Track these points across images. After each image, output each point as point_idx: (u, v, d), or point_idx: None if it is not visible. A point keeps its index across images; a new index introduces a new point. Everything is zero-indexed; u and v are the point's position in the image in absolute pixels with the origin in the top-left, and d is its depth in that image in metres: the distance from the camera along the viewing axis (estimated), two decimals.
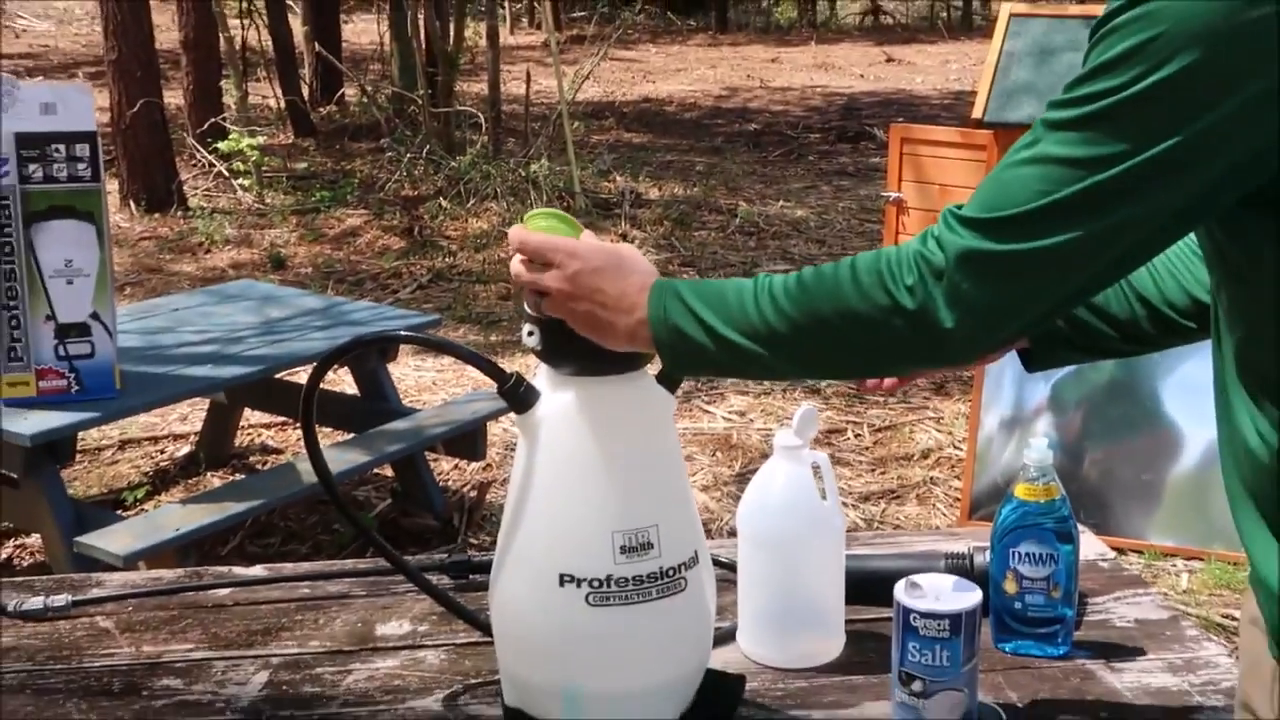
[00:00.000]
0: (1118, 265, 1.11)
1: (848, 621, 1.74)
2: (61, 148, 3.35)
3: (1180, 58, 1.00)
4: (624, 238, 7.82)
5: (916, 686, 1.54)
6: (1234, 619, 3.54)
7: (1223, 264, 1.16)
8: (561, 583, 1.41)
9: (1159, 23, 1.01)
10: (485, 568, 1.84)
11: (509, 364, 1.50)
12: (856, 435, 4.97)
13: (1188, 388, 3.88)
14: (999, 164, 1.14)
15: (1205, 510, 3.88)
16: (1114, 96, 1.03)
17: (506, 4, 18.02)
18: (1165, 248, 1.10)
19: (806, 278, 1.23)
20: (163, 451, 4.87)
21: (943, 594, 1.55)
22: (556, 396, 1.44)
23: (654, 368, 1.47)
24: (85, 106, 3.39)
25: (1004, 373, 4.13)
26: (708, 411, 5.14)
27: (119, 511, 4.16)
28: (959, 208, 1.15)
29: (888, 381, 1.60)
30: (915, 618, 1.53)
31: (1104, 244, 1.07)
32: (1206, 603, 3.66)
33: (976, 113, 3.99)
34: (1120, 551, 3.65)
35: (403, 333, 1.70)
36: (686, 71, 16.22)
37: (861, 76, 15.75)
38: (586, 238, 1.40)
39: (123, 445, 4.89)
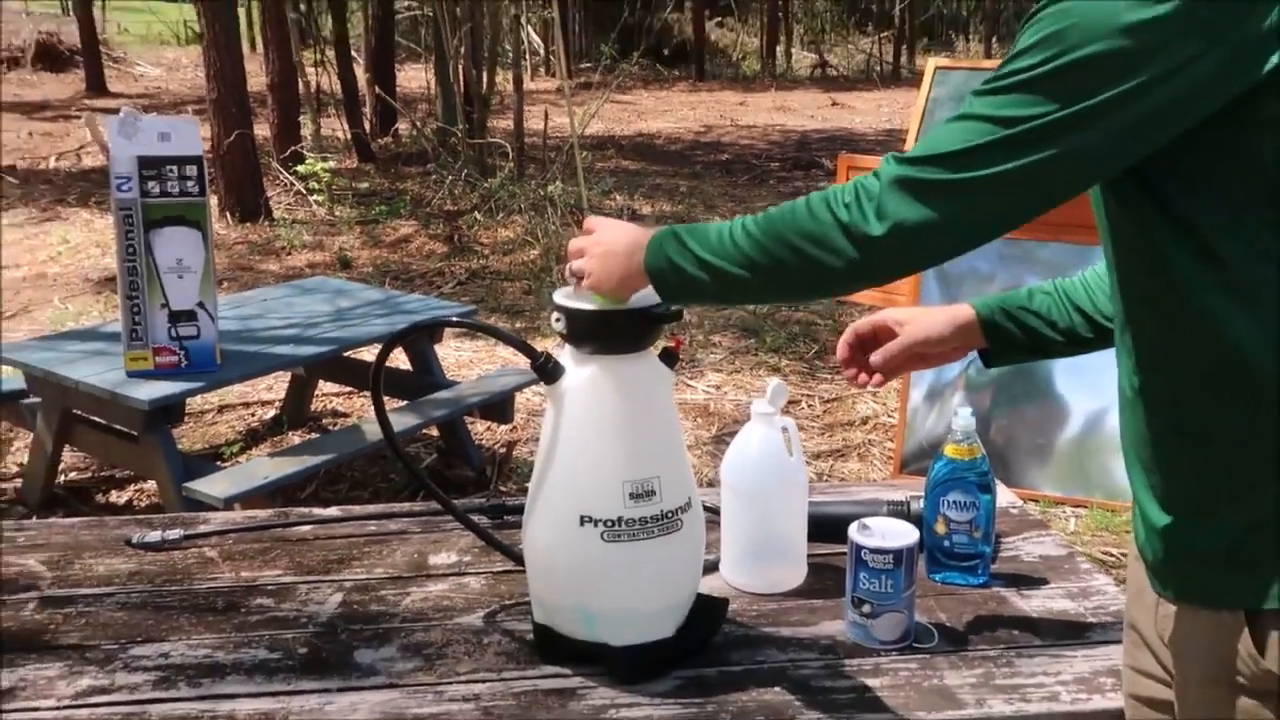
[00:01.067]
0: (1019, 208, 1.10)
1: (810, 555, 1.73)
2: (174, 169, 3.31)
3: (1085, 45, 1.01)
4: None
5: (866, 609, 1.53)
6: (1112, 555, 3.53)
7: (1113, 236, 1.16)
8: (581, 523, 1.40)
9: (1070, 16, 1.02)
10: (518, 510, 1.83)
11: (532, 344, 1.48)
12: (809, 405, 4.96)
13: (1074, 368, 3.87)
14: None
15: (1085, 467, 3.88)
16: (1030, 72, 1.04)
17: (528, 56, 17.93)
18: (1061, 198, 1.09)
19: (772, 210, 1.22)
20: (254, 415, 4.84)
21: (887, 533, 1.55)
22: (578, 371, 1.43)
23: (656, 348, 1.46)
24: (193, 135, 3.36)
25: None
26: (690, 385, 5.12)
27: (218, 463, 4.14)
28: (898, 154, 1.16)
29: (876, 378, 1.57)
30: (865, 553, 1.52)
31: (1008, 185, 1.07)
32: (1090, 542, 3.65)
33: (908, 146, 3.97)
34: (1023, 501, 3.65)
35: (453, 318, 1.68)
36: (672, 112, 16.16)
37: (812, 117, 15.68)
38: None
39: (221, 409, 4.86)
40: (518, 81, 10.05)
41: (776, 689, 1.44)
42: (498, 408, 4.21)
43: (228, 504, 3.17)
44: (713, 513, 1.79)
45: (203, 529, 1.89)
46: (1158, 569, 1.20)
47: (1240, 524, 1.11)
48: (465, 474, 4.22)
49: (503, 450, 4.45)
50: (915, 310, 1.58)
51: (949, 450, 1.68)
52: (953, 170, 1.09)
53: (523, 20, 12.85)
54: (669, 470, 1.43)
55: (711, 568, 1.72)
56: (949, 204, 1.10)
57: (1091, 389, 3.87)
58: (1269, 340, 1.06)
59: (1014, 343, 1.54)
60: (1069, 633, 1.57)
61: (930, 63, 4.40)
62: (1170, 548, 1.17)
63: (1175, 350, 1.12)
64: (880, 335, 1.58)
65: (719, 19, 24.46)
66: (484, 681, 1.46)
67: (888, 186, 1.12)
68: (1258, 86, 1.01)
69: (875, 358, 1.55)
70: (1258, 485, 1.10)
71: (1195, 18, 0.99)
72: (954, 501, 1.68)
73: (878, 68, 21.44)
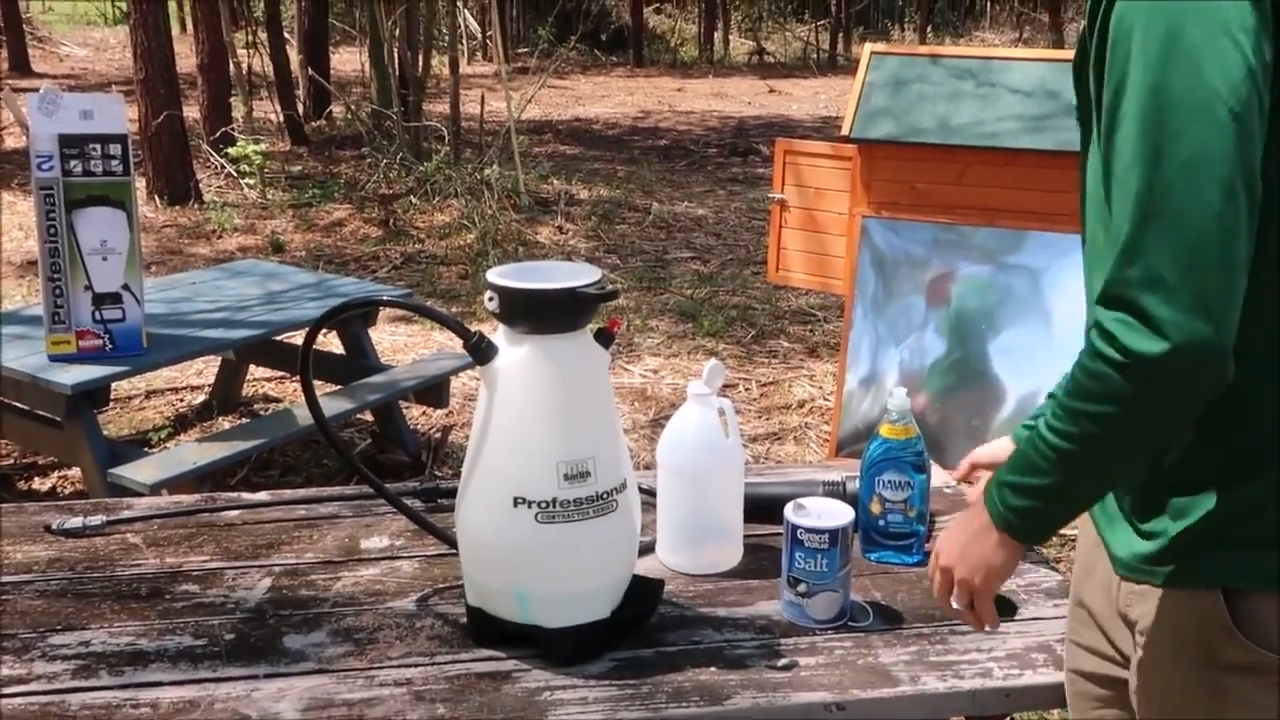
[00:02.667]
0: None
1: (746, 536, 1.73)
2: (98, 147, 3.23)
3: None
4: (560, 230, 7.75)
5: (802, 588, 1.53)
6: None
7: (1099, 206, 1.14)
8: (515, 504, 1.38)
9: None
10: (451, 493, 1.80)
11: (466, 326, 1.46)
12: (746, 389, 4.96)
13: (1008, 350, 3.90)
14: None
15: None
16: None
17: (464, 40, 17.77)
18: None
19: (1058, 415, 1.10)
20: (182, 400, 4.75)
21: (823, 513, 1.54)
22: (512, 351, 1.41)
23: (592, 327, 1.44)
24: (118, 113, 3.27)
25: (863, 340, 4.13)
26: (627, 369, 5.11)
27: (146, 449, 4.05)
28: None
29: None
30: (801, 532, 1.52)
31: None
32: None
33: (845, 130, 3.97)
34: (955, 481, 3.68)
35: (386, 297, 1.65)
36: (610, 97, 16.10)
37: (749, 104, 15.72)
38: None
39: (149, 395, 4.76)
40: (454, 65, 9.95)
41: (712, 669, 1.43)
42: (433, 392, 4.17)
43: (154, 490, 3.10)
44: (649, 494, 1.78)
45: (126, 514, 1.84)
46: (1130, 548, 1.19)
47: (1222, 504, 1.12)
48: (400, 459, 4.17)
49: (438, 435, 4.40)
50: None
51: (884, 430, 1.69)
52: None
53: (459, 4, 12.73)
54: (604, 451, 1.42)
55: (648, 549, 1.71)
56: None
57: (1024, 371, 3.91)
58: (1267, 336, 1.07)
59: None
60: (1002, 610, 1.57)
61: (867, 47, 4.41)
62: (1144, 528, 1.18)
63: None
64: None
65: (656, 5, 24.43)
66: (416, 666, 1.43)
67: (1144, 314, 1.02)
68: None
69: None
70: (1242, 466, 1.11)
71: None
72: (889, 481, 1.68)
73: (814, 56, 21.54)
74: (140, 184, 8.21)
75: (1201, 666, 1.13)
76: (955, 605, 1.28)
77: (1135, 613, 1.19)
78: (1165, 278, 1.00)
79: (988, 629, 1.30)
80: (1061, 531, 3.46)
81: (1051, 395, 1.16)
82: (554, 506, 1.38)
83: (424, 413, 4.59)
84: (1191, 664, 1.14)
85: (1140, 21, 1.02)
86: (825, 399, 4.77)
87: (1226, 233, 0.99)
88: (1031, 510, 1.16)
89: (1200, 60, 0.99)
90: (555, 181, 9.11)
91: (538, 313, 1.39)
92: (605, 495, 1.40)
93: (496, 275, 1.41)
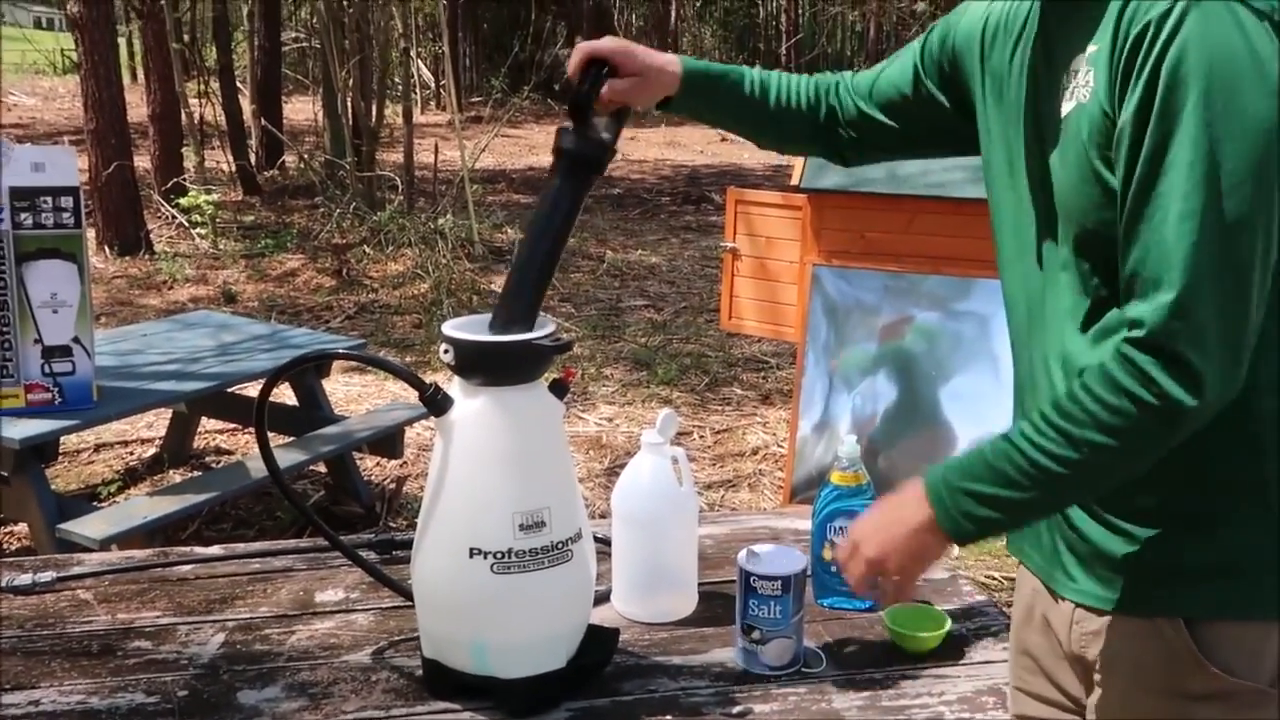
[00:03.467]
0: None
1: (700, 584, 1.74)
2: (49, 199, 3.22)
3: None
4: None
5: (756, 635, 1.54)
6: (995, 579, 3.62)
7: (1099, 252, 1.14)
8: (471, 555, 1.39)
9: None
10: (406, 545, 1.81)
11: (424, 379, 1.47)
12: (701, 436, 4.99)
13: (958, 395, 3.96)
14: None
15: None
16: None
17: (418, 90, 17.84)
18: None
19: (1051, 438, 1.11)
20: (132, 453, 4.70)
21: (776, 560, 1.56)
22: (467, 402, 1.42)
23: (547, 378, 1.46)
24: (69, 165, 3.27)
25: (815, 387, 4.18)
26: (582, 418, 5.12)
27: (95, 504, 4.00)
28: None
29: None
30: (754, 579, 1.53)
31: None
32: (974, 566, 3.74)
33: (795, 180, 4.04)
34: None
35: (341, 350, 1.66)
36: None
37: (702, 152, 15.89)
38: None
39: (98, 448, 4.71)
40: (407, 114, 10.00)
41: (668, 717, 1.44)
42: (387, 443, 4.16)
43: (104, 545, 3.06)
44: (604, 543, 1.79)
45: (77, 570, 1.83)
46: (1085, 579, 1.21)
47: (1179, 533, 1.14)
48: (354, 510, 4.15)
49: (392, 486, 4.39)
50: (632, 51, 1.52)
51: (835, 478, 1.71)
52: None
53: (413, 54, 12.80)
54: (559, 501, 1.43)
55: (603, 598, 1.71)
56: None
57: (976, 417, 3.97)
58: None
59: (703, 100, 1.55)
60: (951, 653, 1.61)
61: None
62: (1105, 561, 1.19)
63: None
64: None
65: None
66: (371, 719, 1.43)
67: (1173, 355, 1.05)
68: None
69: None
70: (1198, 497, 1.14)
71: None
72: (841, 528, 1.70)
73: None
74: (90, 235, 8.15)
75: (1168, 698, 1.15)
76: (872, 588, 1.29)
77: (1092, 652, 1.21)
78: (1211, 334, 1.04)
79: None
80: (1007, 574, 3.50)
81: (1038, 414, 1.15)
82: (510, 556, 1.39)
83: (378, 463, 4.57)
84: (1158, 696, 1.16)
85: (1198, 70, 1.02)
86: (779, 446, 4.81)
87: (1257, 295, 1.05)
88: (992, 521, 1.17)
89: (1256, 122, 1.02)
90: (509, 230, 9.15)
91: (493, 365, 1.41)
92: (560, 545, 1.42)
93: (452, 328, 1.42)
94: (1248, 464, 1.13)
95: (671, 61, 1.52)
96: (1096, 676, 1.21)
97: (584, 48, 1.48)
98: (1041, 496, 1.14)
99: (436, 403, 1.42)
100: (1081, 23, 1.12)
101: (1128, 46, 1.05)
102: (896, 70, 1.48)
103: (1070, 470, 1.10)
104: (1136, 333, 1.06)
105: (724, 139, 16.97)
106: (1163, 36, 1.03)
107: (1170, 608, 1.15)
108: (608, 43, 1.48)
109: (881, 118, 1.49)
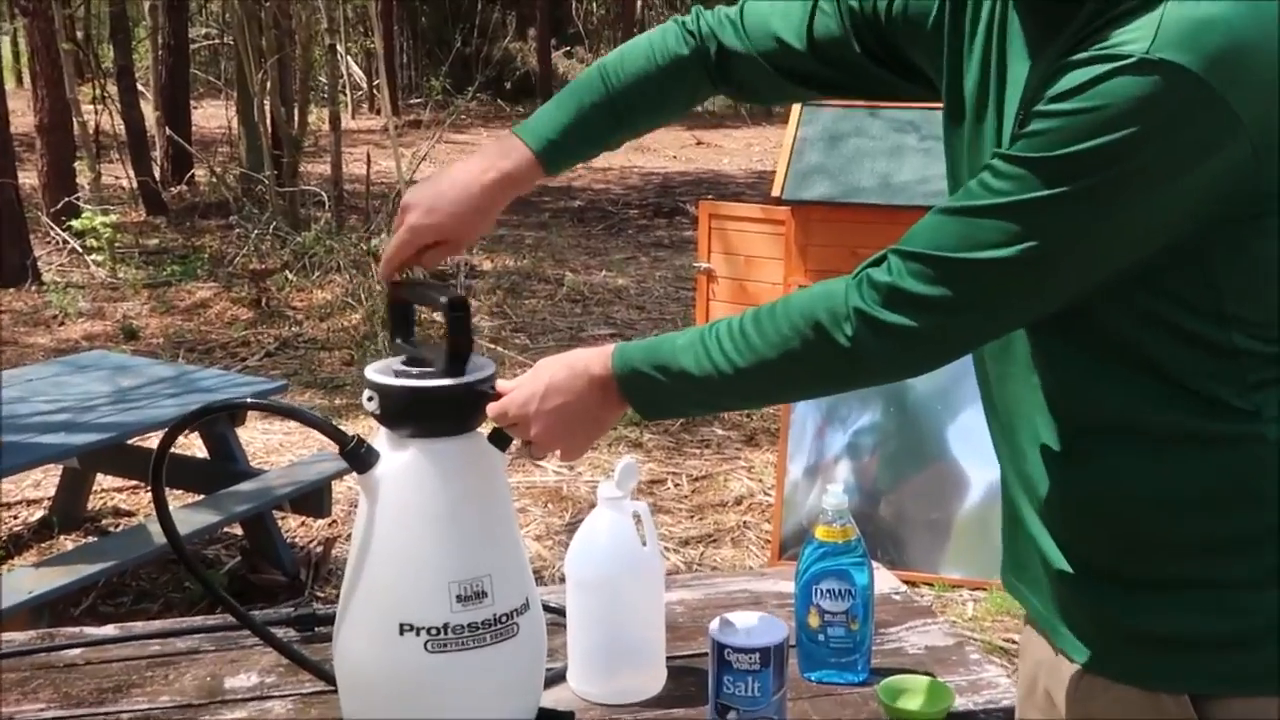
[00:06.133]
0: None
1: (669, 657, 1.75)
2: None
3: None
4: None
5: (732, 716, 1.54)
6: (1014, 643, 3.64)
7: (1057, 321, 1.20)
8: (401, 631, 1.39)
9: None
10: (330, 620, 1.79)
11: (353, 426, 1.48)
12: (676, 485, 5.00)
13: (969, 434, 3.99)
14: None
15: (987, 544, 3.98)
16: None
17: (348, 91, 17.90)
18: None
19: (748, 327, 1.27)
20: (16, 517, 4.66)
21: (753, 630, 1.57)
22: (395, 456, 1.43)
23: (486, 428, 1.47)
24: None
25: (806, 425, 4.20)
26: (539, 466, 5.12)
27: None
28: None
29: None
30: (729, 652, 1.54)
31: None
32: (990, 628, 3.75)
33: (775, 191, 4.09)
34: (913, 584, 3.72)
35: (250, 400, 1.66)
36: None
37: (675, 158, 15.99)
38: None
39: None
40: (335, 121, 10.03)
41: None
42: (312, 499, 4.15)
43: None
44: (558, 614, 1.79)
45: None
46: (1090, 647, 1.24)
47: (1187, 602, 1.17)
48: (276, 579, 4.13)
49: (319, 549, 4.37)
50: (444, 207, 1.52)
51: (819, 533, 1.72)
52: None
53: (340, 51, 12.84)
54: (502, 568, 1.43)
55: (557, 678, 1.71)
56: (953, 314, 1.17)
57: (989, 456, 3.99)
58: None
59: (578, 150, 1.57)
60: (938, 698, 1.61)
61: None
62: (1102, 622, 1.22)
63: (1140, 409, 1.18)
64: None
65: (567, 48, 24.82)
66: None
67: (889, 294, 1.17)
68: None
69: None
70: (1209, 564, 1.16)
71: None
72: (828, 590, 1.71)
73: (747, 104, 21.97)
74: None
75: None
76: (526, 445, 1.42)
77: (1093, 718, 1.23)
78: None
79: None
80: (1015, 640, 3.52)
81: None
82: (446, 633, 1.39)
83: (303, 523, 4.55)
84: None
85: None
86: (766, 494, 4.83)
87: None
88: (660, 392, 1.34)
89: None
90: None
91: (422, 413, 1.41)
92: (504, 618, 1.42)
93: (375, 371, 1.43)
94: (1250, 519, 1.16)
95: (508, 168, 1.52)
96: None
97: (397, 258, 1.52)
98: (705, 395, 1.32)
99: (359, 457, 1.42)
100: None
101: None
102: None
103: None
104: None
105: (699, 142, 17.09)
106: None
107: (1174, 681, 1.17)
108: (412, 239, 1.52)
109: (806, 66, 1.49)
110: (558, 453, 1.42)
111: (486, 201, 1.50)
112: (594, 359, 1.36)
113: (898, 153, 4.23)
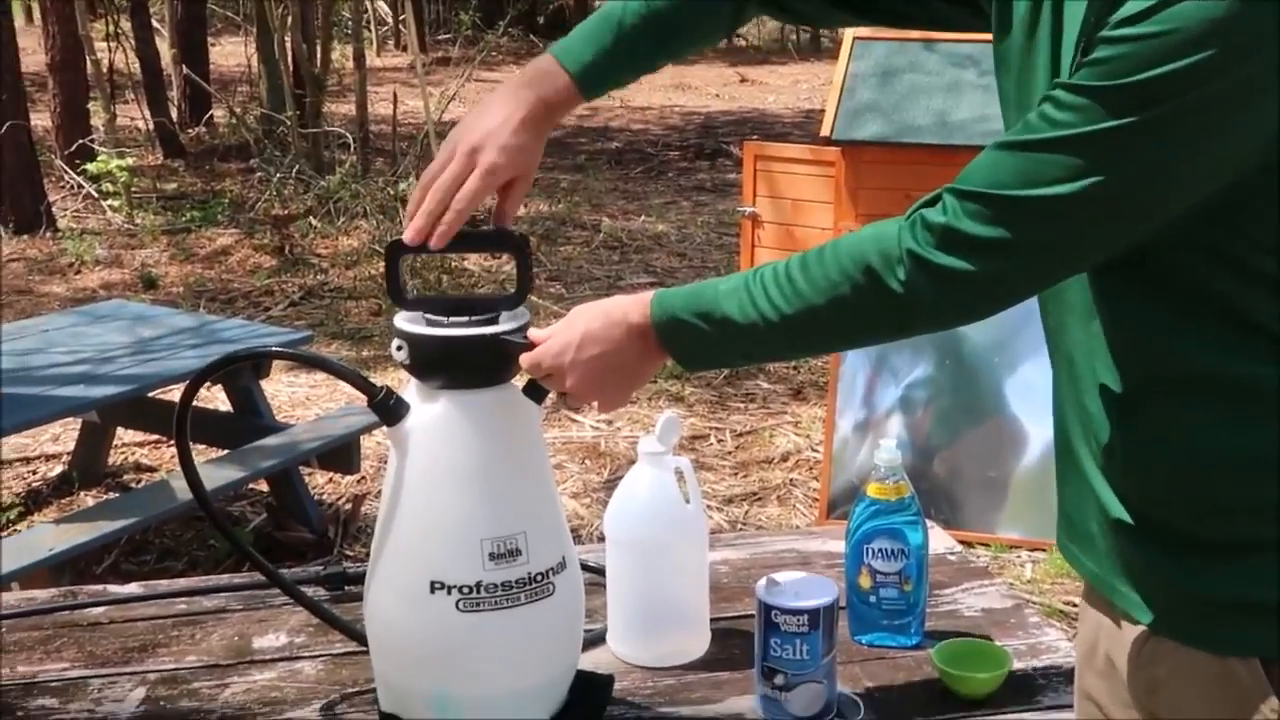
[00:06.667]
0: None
1: (712, 620, 1.76)
2: None
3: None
4: (492, 254, 7.80)
5: (779, 680, 1.55)
6: (1074, 605, 3.63)
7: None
8: (432, 590, 1.40)
9: None
10: (360, 579, 1.82)
11: (381, 378, 1.49)
12: (719, 440, 5.01)
13: (1028, 388, 3.97)
14: None
15: (1046, 503, 3.95)
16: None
17: (373, 27, 17.86)
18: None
19: (795, 272, 1.26)
20: (34, 472, 4.73)
21: (801, 590, 1.57)
22: (425, 409, 1.43)
23: (520, 380, 1.47)
24: None
25: (856, 378, 4.19)
26: (575, 421, 5.14)
27: None
28: None
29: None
30: (776, 614, 1.55)
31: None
32: (1049, 591, 3.75)
33: (825, 131, 4.06)
34: (969, 545, 3.72)
35: (274, 348, 1.67)
36: None
37: (717, 96, 15.89)
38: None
39: None
40: (359, 58, 10.01)
41: None
42: (340, 454, 4.18)
43: (2, 584, 3.09)
44: (598, 573, 1.81)
45: None
46: (1154, 608, 1.23)
47: (1268, 565, 1.15)
48: (303, 536, 4.18)
49: (348, 506, 4.41)
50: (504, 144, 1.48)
51: (871, 490, 1.73)
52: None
53: None
54: (537, 525, 1.44)
55: (596, 640, 1.73)
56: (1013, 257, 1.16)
57: (1049, 412, 3.98)
58: None
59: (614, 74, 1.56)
60: (1014, 698, 1.62)
61: (849, 32, 4.51)
62: (1166, 581, 1.21)
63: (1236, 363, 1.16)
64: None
65: None
66: None
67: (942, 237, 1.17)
68: None
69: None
70: None
71: None
72: (880, 550, 1.72)
73: (794, 37, 21.79)
74: None
75: None
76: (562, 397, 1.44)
77: (1155, 695, 1.23)
78: None
79: None
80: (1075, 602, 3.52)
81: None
82: (478, 592, 1.40)
83: (330, 479, 4.60)
84: None
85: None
86: (814, 450, 4.83)
87: None
88: (701, 344, 1.34)
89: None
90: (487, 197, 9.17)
91: (454, 364, 1.42)
92: (539, 577, 1.43)
93: (405, 320, 1.44)
94: None
95: (548, 95, 1.50)
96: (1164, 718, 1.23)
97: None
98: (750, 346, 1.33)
99: (388, 409, 1.43)
100: None
101: None
102: None
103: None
104: None
105: (743, 80, 16.97)
106: None
107: (1245, 645, 1.17)
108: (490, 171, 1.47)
109: None
110: (595, 405, 1.43)
111: (537, 132, 1.49)
112: (632, 306, 1.36)
113: (955, 89, 4.17)
